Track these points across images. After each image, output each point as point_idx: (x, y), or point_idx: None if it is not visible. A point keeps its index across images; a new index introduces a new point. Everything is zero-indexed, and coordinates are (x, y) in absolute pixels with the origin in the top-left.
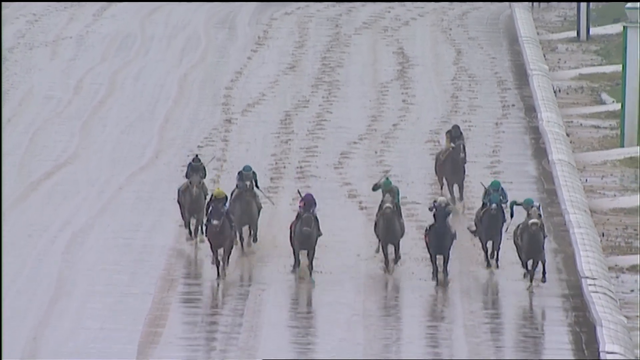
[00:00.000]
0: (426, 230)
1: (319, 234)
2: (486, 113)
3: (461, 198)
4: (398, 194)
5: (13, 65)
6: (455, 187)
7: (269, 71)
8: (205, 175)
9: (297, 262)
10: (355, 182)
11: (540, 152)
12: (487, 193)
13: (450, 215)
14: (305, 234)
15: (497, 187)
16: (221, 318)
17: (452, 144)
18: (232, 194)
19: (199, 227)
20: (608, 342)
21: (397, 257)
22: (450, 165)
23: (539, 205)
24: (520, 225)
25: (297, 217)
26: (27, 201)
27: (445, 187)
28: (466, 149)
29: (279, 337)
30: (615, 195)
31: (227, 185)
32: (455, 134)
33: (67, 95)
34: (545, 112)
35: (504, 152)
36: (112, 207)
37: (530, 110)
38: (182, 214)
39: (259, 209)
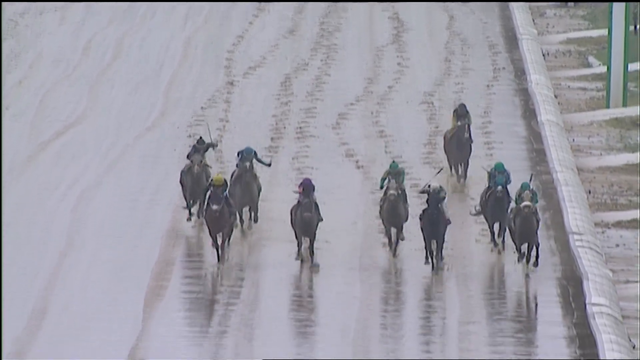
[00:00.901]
0: (420, 215)
1: (320, 219)
2: (478, 76)
3: (465, 176)
4: (403, 175)
5: (24, 29)
6: (461, 167)
7: (269, 35)
8: (214, 146)
9: (300, 247)
10: (352, 142)
11: (529, 113)
12: (491, 176)
13: (445, 201)
14: (306, 219)
15: (502, 170)
16: (224, 272)
17: (458, 123)
18: (232, 175)
19: (200, 210)
20: (594, 294)
21: (400, 239)
22: (456, 143)
23: (534, 190)
24: (514, 209)
25: (297, 203)
26: (37, 160)
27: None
28: (471, 129)
29: (278, 292)
30: (601, 154)
31: (228, 145)
32: (461, 113)
33: (76, 58)
34: (534, 75)
35: (494, 113)
36: (119, 166)
37: (520, 72)
38: (183, 194)
39: (259, 189)
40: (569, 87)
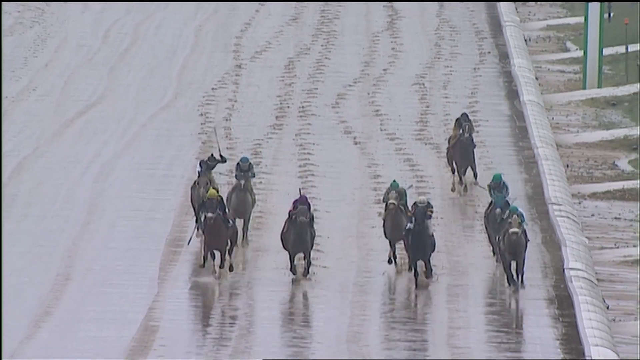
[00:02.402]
0: (405, 232)
1: (314, 235)
2: (465, 59)
3: (475, 177)
4: (406, 196)
5: (50, 17)
6: (469, 172)
7: (274, 22)
8: (223, 158)
9: (293, 266)
10: (350, 120)
11: (512, 93)
12: (491, 189)
13: (431, 218)
14: (300, 223)
15: (499, 181)
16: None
17: (460, 132)
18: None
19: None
20: (571, 259)
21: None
22: (459, 150)
23: (521, 213)
24: (503, 232)
25: (288, 220)
26: (62, 137)
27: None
28: (473, 138)
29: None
30: (578, 132)
31: (236, 122)
32: (463, 122)
33: (97, 44)
34: (517, 59)
35: (480, 94)
36: (136, 142)
37: (504, 56)
38: (194, 208)
39: (253, 203)
40: (548, 69)
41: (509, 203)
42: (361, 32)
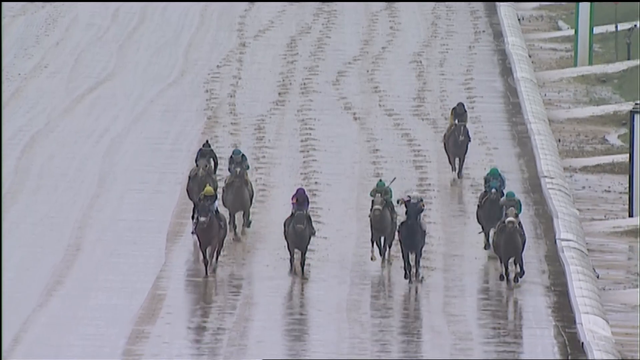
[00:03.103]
0: (398, 227)
1: (312, 233)
2: (461, 38)
3: (460, 172)
4: (391, 193)
5: None
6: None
7: (276, 2)
8: (216, 162)
9: (292, 260)
10: (349, 97)
11: (506, 70)
12: (487, 181)
13: (423, 213)
14: (298, 232)
15: (496, 175)
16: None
17: (456, 121)
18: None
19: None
20: (563, 230)
21: (389, 245)
22: (453, 140)
23: (518, 200)
24: (499, 225)
25: (290, 215)
26: (73, 112)
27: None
28: (468, 130)
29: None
30: (569, 107)
31: (241, 99)
32: (459, 112)
33: (106, 23)
34: (510, 37)
35: (476, 71)
36: (144, 117)
37: (498, 35)
38: (190, 198)
39: (251, 194)
40: (541, 47)
41: (503, 193)
42: (360, 11)
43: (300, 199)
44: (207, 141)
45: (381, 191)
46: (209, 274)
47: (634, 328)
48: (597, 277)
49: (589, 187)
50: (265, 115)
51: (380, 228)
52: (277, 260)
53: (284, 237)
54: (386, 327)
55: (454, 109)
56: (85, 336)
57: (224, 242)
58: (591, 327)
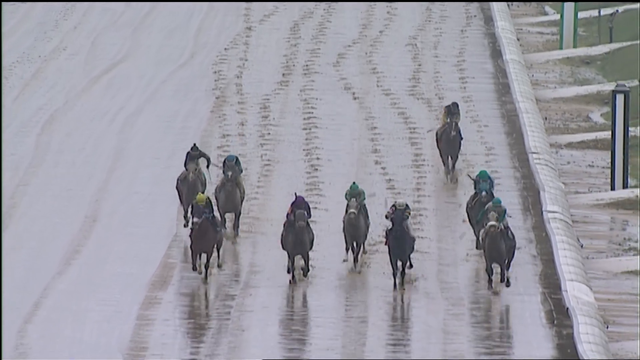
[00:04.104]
0: (385, 234)
1: (312, 238)
2: (453, 22)
3: (452, 170)
4: (363, 195)
5: None
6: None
7: None
8: (209, 158)
9: (291, 268)
10: (349, 77)
11: (496, 53)
12: (476, 182)
13: (409, 219)
14: (298, 230)
15: (485, 177)
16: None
17: (448, 120)
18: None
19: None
20: (549, 203)
21: (363, 252)
22: (445, 138)
23: (505, 211)
24: (485, 228)
25: (287, 222)
26: (90, 91)
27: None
28: (460, 129)
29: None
30: (555, 87)
31: (247, 79)
32: (453, 111)
33: (121, 7)
34: (500, 21)
35: (467, 53)
36: (157, 97)
37: (488, 20)
38: (181, 201)
39: (242, 197)
40: (529, 31)
41: (493, 195)
42: None
43: (299, 207)
44: (194, 144)
45: (356, 195)
46: (203, 280)
47: (616, 294)
48: (581, 246)
49: (574, 162)
50: (270, 94)
51: (354, 233)
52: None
53: (281, 246)
54: (386, 289)
55: (447, 107)
56: (101, 302)
57: (221, 247)
58: (575, 293)
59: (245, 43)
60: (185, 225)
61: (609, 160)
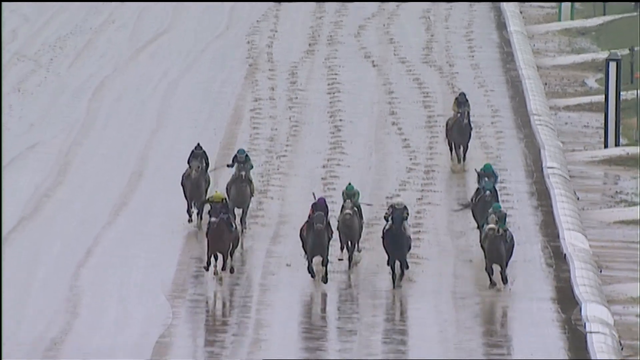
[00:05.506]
0: (383, 233)
1: (331, 237)
2: None
3: (463, 159)
4: (358, 196)
5: None
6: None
7: None
8: (207, 162)
9: (311, 269)
10: (369, 47)
11: (501, 25)
12: (480, 177)
13: (407, 219)
14: (316, 231)
15: (489, 171)
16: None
17: (459, 110)
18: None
19: (200, 213)
20: (549, 160)
21: (358, 250)
22: (457, 129)
23: (503, 212)
24: (484, 230)
25: (307, 222)
26: (136, 60)
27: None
28: (470, 119)
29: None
30: (554, 56)
31: (277, 50)
32: (461, 100)
33: None
34: None
35: (475, 25)
36: (196, 65)
37: None
38: (185, 196)
39: (252, 193)
40: (530, 5)
41: (497, 192)
42: None
43: (320, 208)
44: (198, 144)
45: (351, 195)
46: (214, 275)
47: (609, 242)
48: (578, 199)
49: (571, 123)
50: (298, 62)
51: (349, 233)
52: (304, 194)
53: (301, 246)
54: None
55: (456, 98)
56: (147, 249)
57: (237, 246)
58: (572, 241)
59: (275, 16)
60: (190, 221)
61: (603, 122)
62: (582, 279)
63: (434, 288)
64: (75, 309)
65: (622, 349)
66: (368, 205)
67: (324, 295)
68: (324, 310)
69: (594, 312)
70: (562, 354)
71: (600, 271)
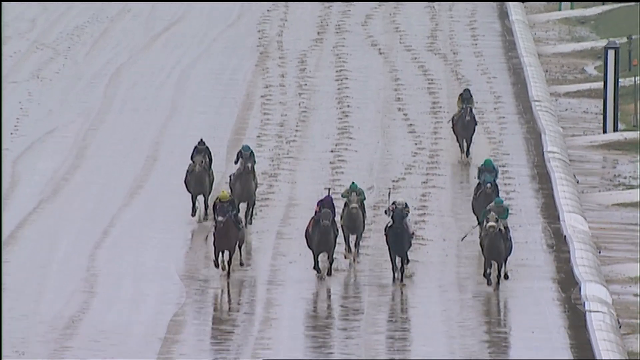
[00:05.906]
0: (385, 230)
1: (337, 234)
2: None
3: (467, 153)
4: (363, 193)
5: None
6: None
7: None
8: (211, 158)
9: (317, 264)
10: (375, 35)
11: (503, 14)
12: (480, 172)
13: (408, 217)
14: (322, 228)
15: (490, 166)
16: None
17: (462, 106)
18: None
19: (205, 207)
20: (550, 144)
21: (358, 245)
22: (461, 124)
23: (505, 207)
24: (483, 228)
25: (313, 221)
26: (150, 48)
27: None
28: (475, 114)
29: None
30: (555, 44)
31: (287, 38)
32: (465, 97)
33: None
34: None
35: (478, 14)
36: (207, 53)
37: None
38: (188, 191)
39: (256, 188)
40: None
41: (497, 186)
42: None
43: (327, 206)
44: (201, 139)
45: (356, 192)
46: (224, 275)
47: (607, 224)
48: (577, 182)
49: (571, 109)
50: (307, 50)
51: (353, 227)
52: (315, 175)
53: (306, 244)
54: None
55: (460, 94)
56: (160, 230)
57: (243, 244)
58: (572, 223)
59: (285, 5)
60: (193, 215)
61: (602, 107)
62: (581, 259)
63: (439, 268)
64: (92, 288)
65: (620, 327)
66: (370, 189)
67: (333, 277)
68: (330, 290)
69: (593, 292)
70: (561, 332)
71: (599, 252)
